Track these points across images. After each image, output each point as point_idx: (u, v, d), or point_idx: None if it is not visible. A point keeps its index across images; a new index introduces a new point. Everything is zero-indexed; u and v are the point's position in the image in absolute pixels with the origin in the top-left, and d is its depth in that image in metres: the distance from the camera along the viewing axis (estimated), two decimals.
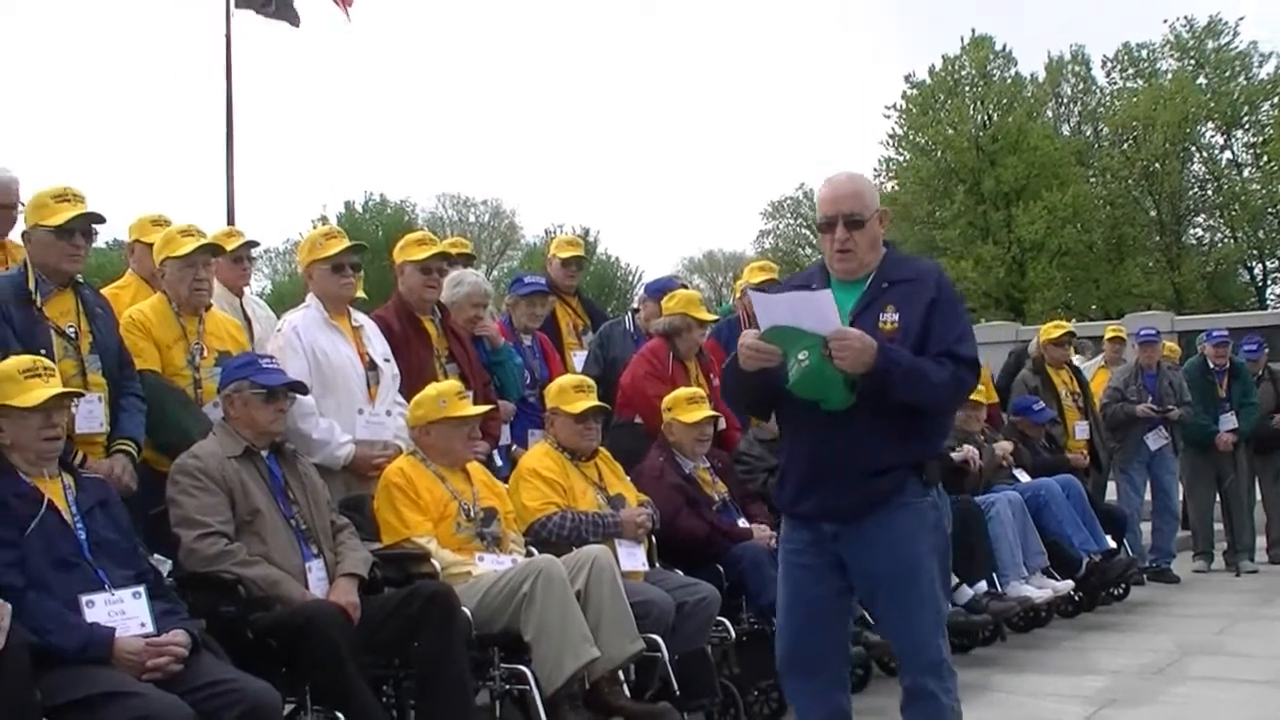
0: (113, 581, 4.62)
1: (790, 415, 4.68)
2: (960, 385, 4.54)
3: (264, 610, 5.13)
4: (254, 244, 7.76)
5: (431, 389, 6.38)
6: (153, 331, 6.12)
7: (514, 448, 7.72)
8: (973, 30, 47.10)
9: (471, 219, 62.32)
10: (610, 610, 5.84)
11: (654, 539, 6.90)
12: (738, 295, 9.50)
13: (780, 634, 4.80)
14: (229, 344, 6.30)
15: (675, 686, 6.09)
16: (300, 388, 5.85)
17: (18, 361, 4.86)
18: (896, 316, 4.45)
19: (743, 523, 7.33)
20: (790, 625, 4.73)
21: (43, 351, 5.29)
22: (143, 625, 4.56)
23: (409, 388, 6.62)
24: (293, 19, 21.90)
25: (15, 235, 6.26)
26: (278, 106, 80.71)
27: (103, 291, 6.29)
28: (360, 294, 6.77)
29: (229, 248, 7.05)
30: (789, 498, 4.71)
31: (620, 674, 5.99)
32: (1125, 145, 46.78)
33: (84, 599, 4.51)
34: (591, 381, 7.16)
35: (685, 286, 9.27)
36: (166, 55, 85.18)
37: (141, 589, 4.66)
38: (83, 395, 5.40)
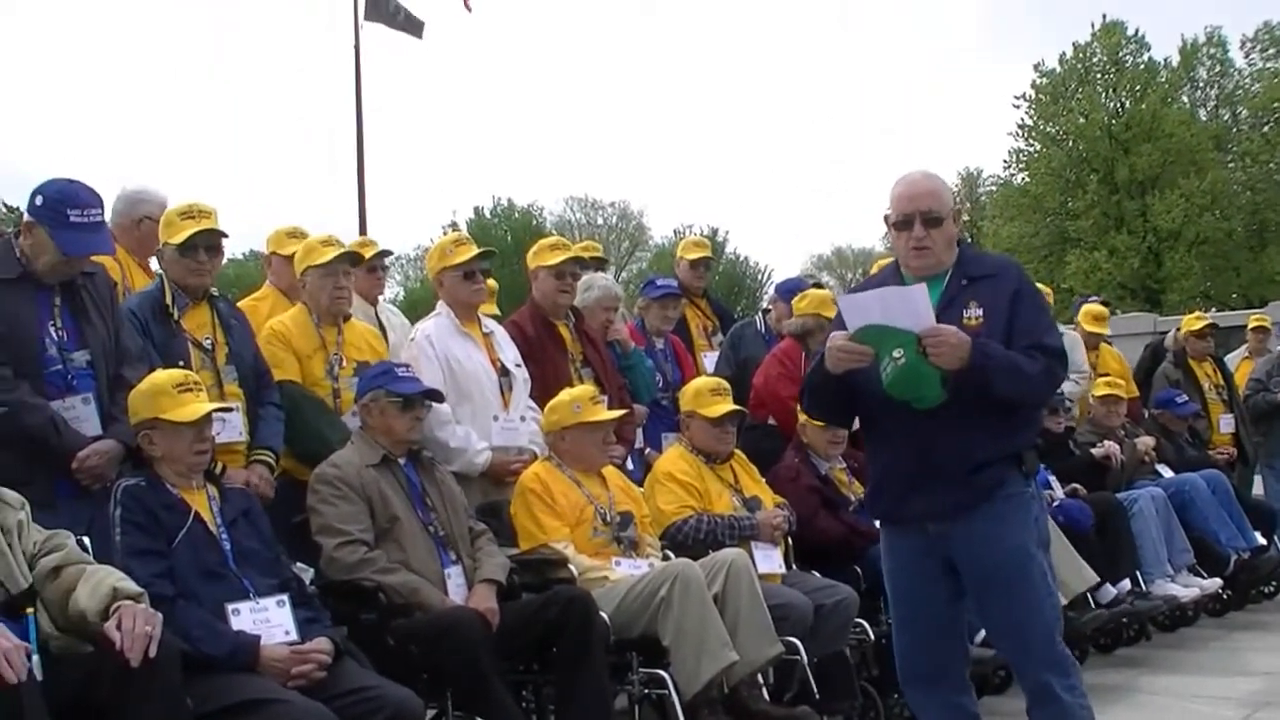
0: (257, 590, 4.68)
1: (878, 419, 4.63)
2: (1052, 377, 4.51)
3: (404, 617, 5.17)
4: (387, 253, 7.85)
5: (566, 394, 6.38)
6: (293, 342, 6.20)
7: (647, 451, 7.72)
8: (1103, 16, 46.17)
9: (599, 221, 62.19)
10: (748, 614, 5.80)
11: (790, 541, 6.86)
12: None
13: (898, 647, 4.77)
14: (367, 353, 6.35)
15: (814, 690, 6.03)
16: (436, 395, 5.87)
17: (170, 376, 4.95)
18: (980, 311, 4.42)
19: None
20: (907, 638, 4.70)
21: (180, 364, 5.42)
22: (287, 633, 4.62)
23: (544, 393, 6.63)
24: (417, 31, 22.15)
25: None
26: (406, 114, 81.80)
27: (241, 304, 6.44)
28: (493, 310, 6.77)
29: (366, 257, 7.11)
30: (889, 504, 4.67)
31: (759, 678, 5.94)
32: (1266, 128, 45.50)
33: (230, 607, 4.58)
34: (727, 384, 7.11)
35: (820, 286, 9.25)
36: (299, 68, 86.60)
37: (285, 597, 4.72)
38: (233, 409, 5.53)
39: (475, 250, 6.75)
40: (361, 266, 7.04)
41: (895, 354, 4.22)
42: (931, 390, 4.28)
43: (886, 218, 4.62)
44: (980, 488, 4.42)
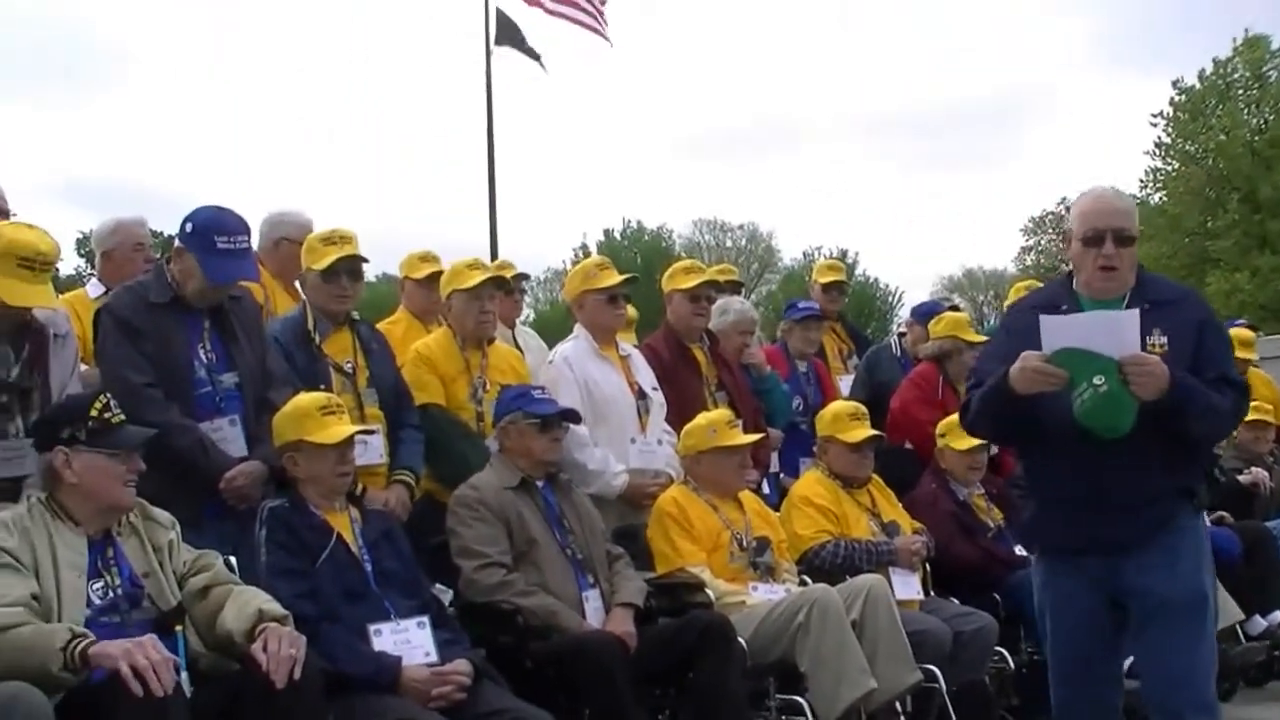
0: (398, 611, 4.73)
1: (1048, 446, 4.44)
2: (1239, 413, 4.43)
3: (542, 640, 5.18)
4: (525, 276, 7.88)
5: (702, 418, 6.36)
6: (438, 365, 6.23)
7: (783, 476, 7.66)
8: (1245, 30, 45.11)
9: (729, 244, 61.86)
10: (887, 640, 5.72)
11: (928, 567, 6.76)
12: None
13: (1054, 683, 4.63)
14: (510, 376, 6.35)
15: (953, 718, 5.92)
16: (574, 417, 5.88)
17: (314, 399, 5.03)
18: (1165, 339, 4.27)
19: (1019, 550, 7.10)
20: (1064, 674, 4.57)
21: (322, 387, 5.50)
22: (427, 654, 4.65)
23: (679, 417, 6.61)
24: (542, 63, 22.57)
25: None
26: (535, 135, 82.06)
27: (381, 326, 6.48)
28: (631, 339, 6.74)
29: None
30: (1055, 535, 4.53)
31: (897, 705, 5.84)
32: None
33: (371, 628, 4.64)
34: (865, 409, 7.03)
35: (956, 309, 9.14)
36: (430, 92, 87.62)
37: (425, 619, 4.77)
38: (374, 432, 5.60)
39: (620, 275, 6.74)
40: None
41: (1097, 381, 4.10)
42: (1125, 420, 4.16)
43: (1067, 233, 4.52)
44: (1153, 521, 4.30)
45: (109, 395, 4.34)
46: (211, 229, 5.08)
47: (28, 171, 67.40)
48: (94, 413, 4.23)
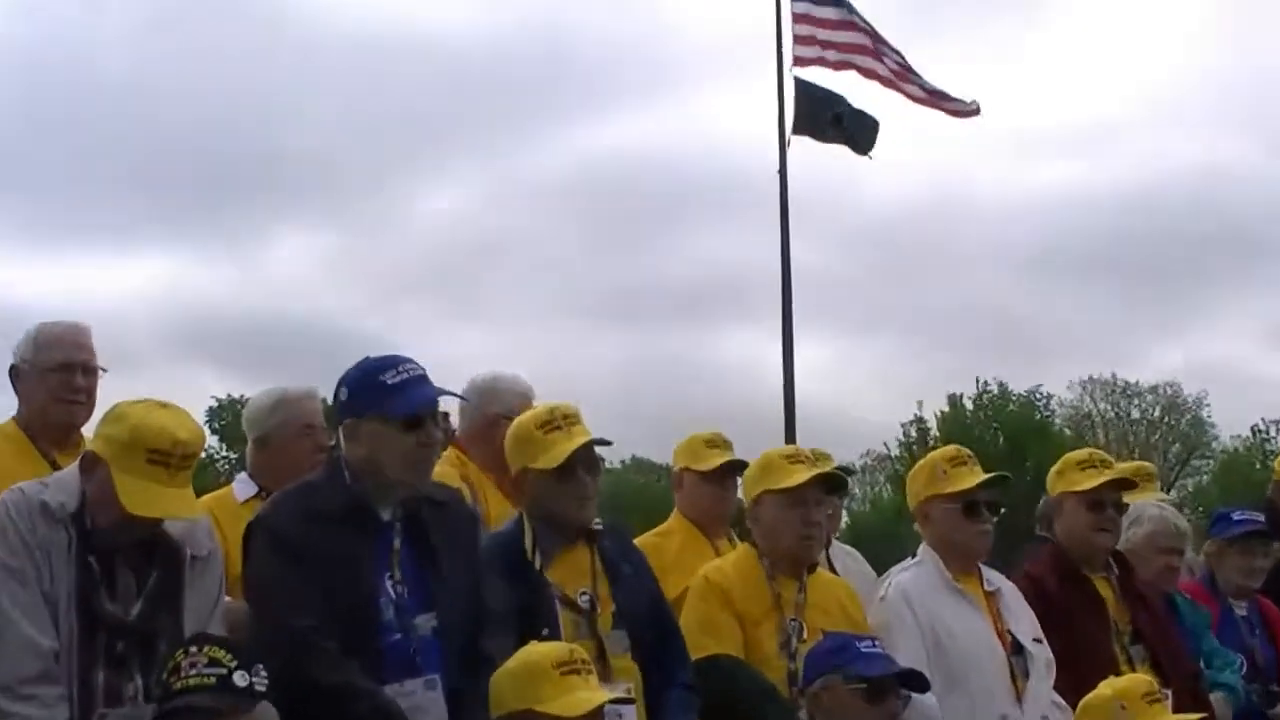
0: None
1: None
2: None
3: None
4: (849, 472, 6.55)
5: (1105, 688, 4.93)
6: (736, 601, 5.11)
7: None
8: None
9: (1134, 414, 50.80)
10: None
11: None
12: None
13: None
14: (839, 618, 5.20)
15: None
16: (917, 682, 4.76)
17: (551, 652, 4.17)
18: None
19: None
20: None
21: (545, 632, 4.49)
22: None
23: (1075, 677, 5.28)
24: (864, 145, 19.48)
25: None
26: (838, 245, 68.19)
27: (640, 541, 5.51)
28: None
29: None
30: None
31: None
32: None
33: None
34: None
35: None
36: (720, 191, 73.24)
37: None
38: (630, 701, 4.53)
39: (980, 474, 5.45)
40: None
41: None
42: None
43: None
44: None
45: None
46: (374, 373, 4.28)
47: (131, 310, 65.29)
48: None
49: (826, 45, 18.81)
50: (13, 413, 5.26)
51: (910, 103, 18.92)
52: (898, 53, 18.93)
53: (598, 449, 4.89)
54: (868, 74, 18.76)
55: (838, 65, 18.85)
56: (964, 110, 19.14)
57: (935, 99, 19.07)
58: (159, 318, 74.45)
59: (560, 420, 4.84)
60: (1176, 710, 5.03)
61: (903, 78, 18.80)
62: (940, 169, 70.95)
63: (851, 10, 18.81)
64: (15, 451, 5.08)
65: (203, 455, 4.63)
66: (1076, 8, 79.72)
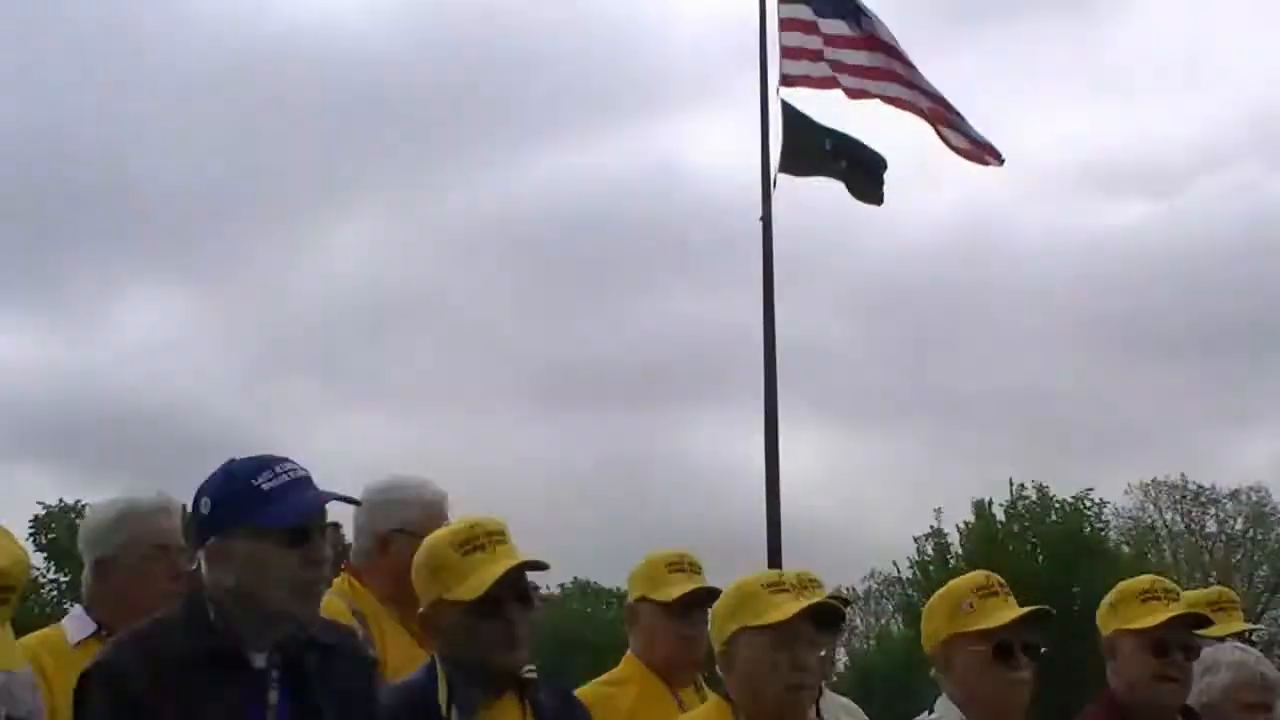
0: None
1: None
2: None
3: None
4: (846, 602, 5.84)
5: None
6: None
7: None
8: None
9: (1210, 526, 42.02)
10: None
11: None
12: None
13: None
14: None
15: None
16: None
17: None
18: None
19: None
20: None
21: None
22: None
23: None
24: (871, 193, 16.13)
25: None
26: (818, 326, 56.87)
27: (584, 692, 4.63)
28: None
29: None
30: None
31: None
32: None
33: None
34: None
35: None
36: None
37: None
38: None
39: (1011, 611, 4.46)
40: None
41: None
42: None
43: None
44: None
45: None
46: (244, 477, 3.61)
47: None
48: None
49: (837, 66, 15.32)
50: None
51: (947, 149, 15.41)
52: (933, 89, 15.44)
53: (530, 574, 4.12)
54: (893, 102, 15.30)
55: (853, 93, 15.40)
56: (995, 160, 15.76)
57: (980, 151, 15.58)
58: None
59: (483, 538, 4.12)
60: None
61: (941, 118, 15.40)
62: (962, 212, 61.11)
63: (875, 26, 15.24)
64: None
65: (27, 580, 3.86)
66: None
